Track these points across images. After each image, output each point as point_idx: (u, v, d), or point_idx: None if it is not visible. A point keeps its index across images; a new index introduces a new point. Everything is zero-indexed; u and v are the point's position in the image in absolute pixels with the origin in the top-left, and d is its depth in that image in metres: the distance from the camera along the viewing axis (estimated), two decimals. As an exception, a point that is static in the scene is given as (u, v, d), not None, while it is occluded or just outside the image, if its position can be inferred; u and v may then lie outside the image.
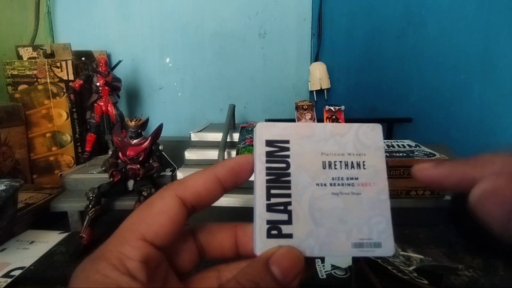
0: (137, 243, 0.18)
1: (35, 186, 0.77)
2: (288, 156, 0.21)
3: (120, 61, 0.88)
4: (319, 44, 0.96)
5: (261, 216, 0.20)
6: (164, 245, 0.19)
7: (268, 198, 0.20)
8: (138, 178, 0.63)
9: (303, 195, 0.20)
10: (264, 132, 0.21)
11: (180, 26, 0.99)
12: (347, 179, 0.21)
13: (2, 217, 0.53)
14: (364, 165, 0.21)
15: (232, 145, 0.73)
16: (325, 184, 0.21)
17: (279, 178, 0.20)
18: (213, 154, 0.69)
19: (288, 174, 0.21)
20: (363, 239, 0.20)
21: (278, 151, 0.21)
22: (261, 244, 0.19)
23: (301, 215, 0.20)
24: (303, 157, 0.21)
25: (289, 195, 0.20)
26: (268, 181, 0.20)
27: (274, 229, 0.20)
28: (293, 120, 0.88)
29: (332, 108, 0.84)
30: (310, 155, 0.21)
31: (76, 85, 0.81)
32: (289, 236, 0.20)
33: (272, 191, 0.20)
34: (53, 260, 0.52)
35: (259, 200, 0.20)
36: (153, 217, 0.19)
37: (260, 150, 0.21)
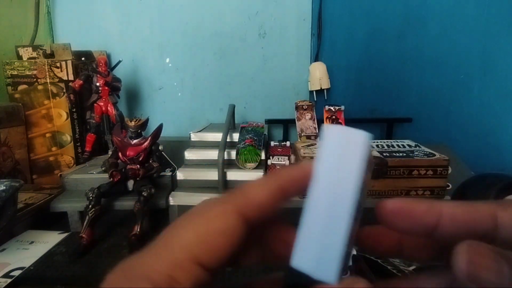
0: (190, 267, 0.16)
1: (35, 186, 0.77)
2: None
3: (120, 61, 0.88)
4: (319, 44, 0.96)
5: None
6: (217, 269, 0.17)
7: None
8: (138, 178, 0.63)
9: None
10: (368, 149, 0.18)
11: (180, 26, 0.99)
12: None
13: (2, 217, 0.53)
14: None
15: (232, 145, 0.74)
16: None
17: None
18: (213, 154, 0.69)
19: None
20: None
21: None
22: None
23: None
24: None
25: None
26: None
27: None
28: (293, 120, 0.88)
29: (332, 108, 0.84)
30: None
31: (76, 85, 0.81)
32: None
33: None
34: (53, 260, 0.52)
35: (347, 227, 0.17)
36: (212, 238, 0.16)
37: (361, 168, 0.18)
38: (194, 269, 0.16)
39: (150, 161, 0.66)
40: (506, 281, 0.15)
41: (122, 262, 0.16)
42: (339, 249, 0.17)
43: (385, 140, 0.72)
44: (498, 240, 0.17)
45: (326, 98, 0.98)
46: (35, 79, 0.81)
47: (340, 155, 0.18)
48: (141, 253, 0.16)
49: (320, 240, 0.17)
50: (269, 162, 0.72)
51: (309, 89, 0.98)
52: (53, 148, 0.84)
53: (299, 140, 0.83)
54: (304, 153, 0.66)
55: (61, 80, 0.82)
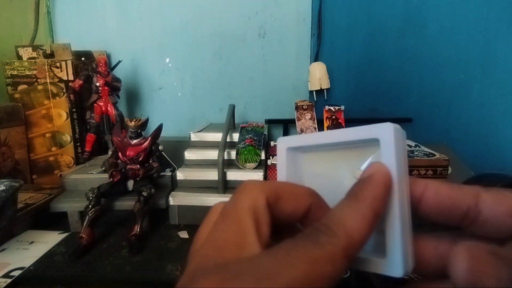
0: None
1: (35, 186, 0.77)
2: None
3: (120, 61, 0.88)
4: (319, 44, 0.96)
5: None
6: None
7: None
8: (137, 178, 0.63)
9: None
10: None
11: (180, 26, 0.99)
12: None
13: (2, 217, 0.53)
14: None
15: (232, 145, 0.74)
16: None
17: None
18: (213, 154, 0.69)
19: None
20: None
21: None
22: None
23: None
24: None
25: None
26: None
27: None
28: (293, 120, 0.88)
29: (332, 108, 0.84)
30: None
31: (76, 85, 0.81)
32: None
33: None
34: (53, 260, 0.52)
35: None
36: (320, 281, 0.16)
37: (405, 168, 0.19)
38: None
39: (150, 161, 0.66)
40: (504, 283, 0.15)
41: (209, 272, 0.16)
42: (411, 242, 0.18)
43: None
44: (480, 218, 0.18)
45: (326, 98, 0.98)
46: (35, 79, 0.81)
47: (401, 154, 0.18)
48: (231, 268, 0.16)
49: (408, 240, 0.18)
50: (269, 162, 0.72)
51: (309, 89, 0.98)
52: (53, 148, 0.84)
53: (299, 140, 0.83)
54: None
55: (61, 80, 0.82)
